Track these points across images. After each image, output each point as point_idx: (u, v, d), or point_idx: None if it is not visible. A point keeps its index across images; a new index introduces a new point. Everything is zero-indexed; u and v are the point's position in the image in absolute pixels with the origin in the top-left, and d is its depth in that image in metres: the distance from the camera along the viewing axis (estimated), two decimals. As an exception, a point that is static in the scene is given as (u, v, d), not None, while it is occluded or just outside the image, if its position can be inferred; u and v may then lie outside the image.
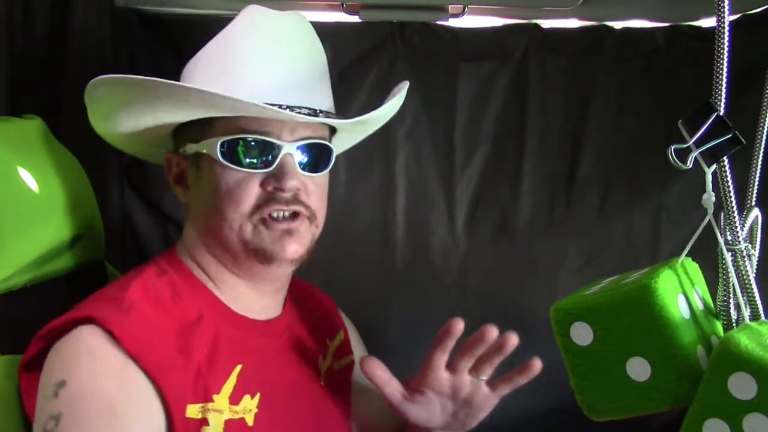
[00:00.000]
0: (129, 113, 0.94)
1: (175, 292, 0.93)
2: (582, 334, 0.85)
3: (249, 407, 0.91)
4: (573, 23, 1.49)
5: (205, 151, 0.93)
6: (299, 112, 0.91)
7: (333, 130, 1.02)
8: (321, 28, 1.38)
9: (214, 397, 0.88)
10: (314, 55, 1.00)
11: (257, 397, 0.92)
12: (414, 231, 1.45)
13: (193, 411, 0.86)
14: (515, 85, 1.45)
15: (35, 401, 0.85)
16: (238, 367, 0.92)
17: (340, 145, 1.10)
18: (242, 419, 0.90)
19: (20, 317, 0.94)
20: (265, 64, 0.93)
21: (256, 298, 0.99)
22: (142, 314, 0.87)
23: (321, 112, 0.95)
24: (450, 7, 1.41)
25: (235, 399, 0.90)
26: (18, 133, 0.99)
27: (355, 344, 1.18)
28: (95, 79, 0.89)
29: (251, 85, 0.91)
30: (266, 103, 0.89)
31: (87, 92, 0.91)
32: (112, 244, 1.17)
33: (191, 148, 0.94)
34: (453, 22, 1.44)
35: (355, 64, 1.41)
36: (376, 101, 1.41)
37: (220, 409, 0.88)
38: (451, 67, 1.44)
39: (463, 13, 1.42)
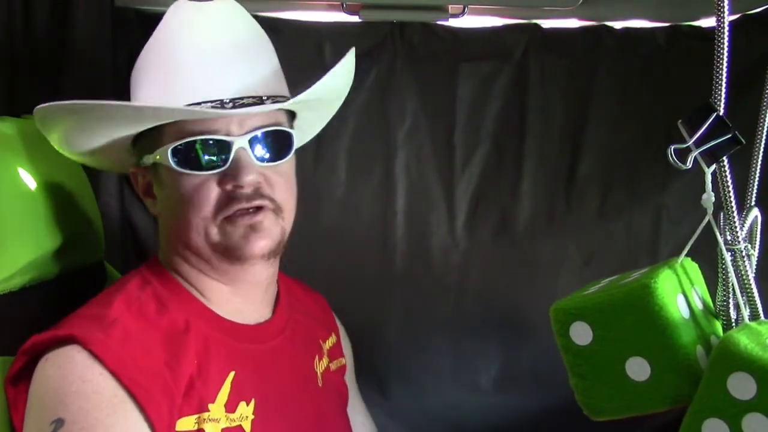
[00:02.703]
0: (78, 135, 0.93)
1: (160, 302, 0.92)
2: (581, 333, 0.85)
3: (245, 414, 0.91)
4: (573, 23, 1.49)
5: (159, 159, 0.91)
6: (242, 104, 0.89)
7: (293, 114, 0.99)
8: (321, 28, 1.41)
9: (210, 406, 0.87)
10: (254, 39, 0.96)
11: (252, 403, 0.92)
12: (414, 231, 1.45)
13: (188, 423, 0.85)
14: (515, 85, 1.45)
15: (21, 416, 0.84)
16: (231, 374, 0.91)
17: (309, 127, 1.08)
18: (239, 426, 0.89)
19: (20, 318, 0.94)
20: (200, 61, 0.90)
21: (242, 301, 0.98)
22: (126, 332, 0.85)
23: (268, 97, 0.92)
24: (450, 7, 1.41)
25: (230, 407, 0.89)
26: (18, 133, 0.99)
27: (344, 347, 1.17)
28: (36, 109, 0.90)
29: (189, 86, 0.89)
30: (205, 102, 0.88)
31: (37, 124, 0.92)
32: (112, 244, 1.17)
33: (148, 159, 0.93)
34: (453, 22, 1.44)
35: (355, 64, 1.40)
36: (376, 101, 1.42)
37: (216, 418, 0.87)
38: (451, 67, 1.44)
39: (463, 13, 1.42)
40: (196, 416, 0.86)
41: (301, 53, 1.36)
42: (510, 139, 1.45)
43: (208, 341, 0.91)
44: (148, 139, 0.93)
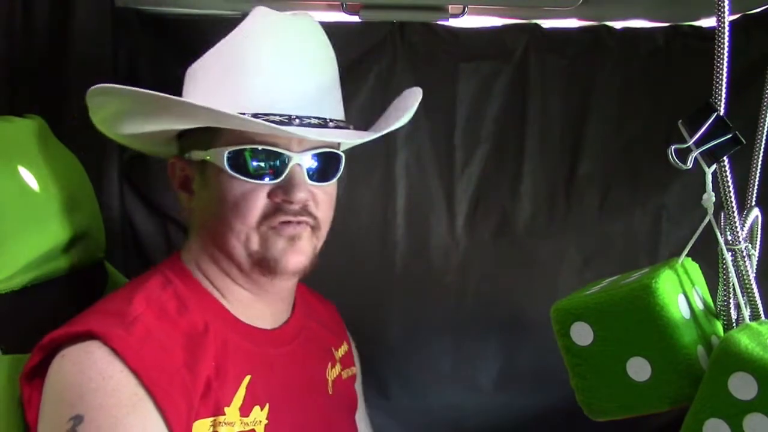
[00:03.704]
0: (129, 120, 0.92)
1: (181, 302, 0.91)
2: (582, 334, 0.85)
3: (259, 419, 0.90)
4: (573, 23, 1.49)
5: (211, 159, 0.91)
6: (308, 123, 0.90)
7: None
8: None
9: (225, 409, 0.87)
10: (326, 61, 0.97)
11: (266, 408, 0.92)
12: (414, 231, 1.45)
13: (203, 426, 0.85)
14: (515, 85, 1.45)
15: (37, 413, 0.84)
16: (247, 378, 0.91)
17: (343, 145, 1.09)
18: (252, 430, 0.89)
19: (22, 317, 0.94)
20: (274, 72, 0.90)
21: (262, 307, 0.98)
22: (146, 330, 0.85)
23: (331, 121, 0.93)
24: (450, 7, 1.41)
25: (245, 411, 0.89)
26: (18, 133, 0.99)
27: (354, 357, 1.18)
28: (93, 87, 0.87)
29: (259, 94, 0.89)
30: (274, 114, 0.88)
31: (87, 99, 0.90)
32: (112, 244, 1.17)
33: (197, 155, 0.92)
34: (453, 22, 1.44)
35: (355, 64, 1.41)
36: (376, 102, 1.42)
37: (231, 421, 0.87)
38: (451, 67, 1.44)
39: (463, 13, 1.42)
40: (211, 419, 0.86)
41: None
42: (510, 139, 1.45)
43: (226, 344, 0.91)
44: (201, 135, 0.92)
